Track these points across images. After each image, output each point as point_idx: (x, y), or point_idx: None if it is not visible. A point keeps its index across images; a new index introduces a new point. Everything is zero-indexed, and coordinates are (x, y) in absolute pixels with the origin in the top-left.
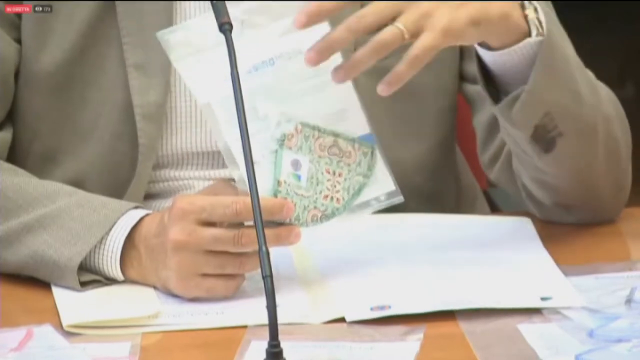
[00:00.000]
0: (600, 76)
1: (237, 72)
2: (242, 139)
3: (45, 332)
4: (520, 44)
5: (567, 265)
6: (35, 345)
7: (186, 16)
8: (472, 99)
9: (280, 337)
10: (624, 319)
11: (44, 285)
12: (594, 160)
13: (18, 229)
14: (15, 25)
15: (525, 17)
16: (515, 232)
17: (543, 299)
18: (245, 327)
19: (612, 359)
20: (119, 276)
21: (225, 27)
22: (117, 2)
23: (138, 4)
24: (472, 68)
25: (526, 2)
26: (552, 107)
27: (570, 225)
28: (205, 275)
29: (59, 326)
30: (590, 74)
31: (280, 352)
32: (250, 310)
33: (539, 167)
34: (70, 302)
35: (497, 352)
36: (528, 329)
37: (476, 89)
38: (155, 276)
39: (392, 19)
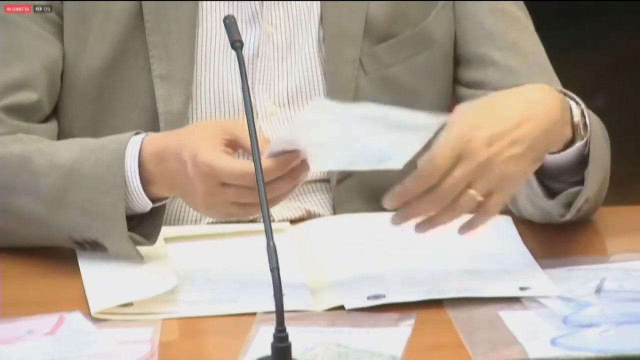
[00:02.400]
0: (575, 88)
1: (247, 86)
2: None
3: (75, 318)
4: (569, 150)
5: (544, 258)
6: (66, 330)
7: (209, 34)
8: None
9: (286, 323)
10: (595, 307)
11: (75, 275)
12: (595, 201)
13: (59, 188)
14: (61, 31)
15: (572, 122)
16: (497, 228)
17: (522, 288)
18: (254, 314)
19: (584, 343)
20: (145, 199)
21: (236, 44)
22: (145, 19)
23: (164, 21)
24: (467, 74)
25: (573, 105)
26: (592, 191)
27: (547, 223)
28: (227, 203)
29: (87, 313)
30: (599, 124)
31: (286, 337)
32: (259, 299)
33: (555, 216)
34: (98, 290)
35: (480, 336)
36: (508, 315)
37: (470, 93)
38: (178, 191)
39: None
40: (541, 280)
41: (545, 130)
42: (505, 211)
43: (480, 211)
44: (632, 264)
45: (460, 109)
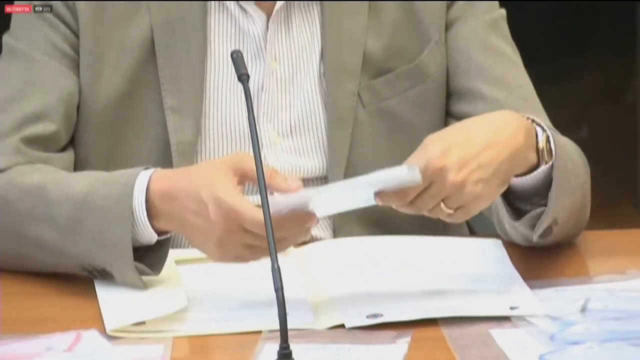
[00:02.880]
0: (561, 120)
1: (254, 117)
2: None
3: (91, 336)
4: (533, 174)
5: (532, 279)
6: (83, 347)
7: (217, 69)
8: None
9: (289, 340)
10: (580, 325)
11: (91, 295)
12: (571, 226)
13: (72, 218)
14: (77, 65)
15: (537, 148)
16: (488, 251)
17: (512, 308)
18: (260, 332)
19: (570, 359)
20: (151, 232)
21: (243, 77)
22: (157, 54)
23: (175, 56)
24: (458, 107)
25: (539, 131)
26: (559, 213)
27: (535, 246)
28: (240, 245)
29: (103, 331)
30: (572, 147)
31: (290, 354)
32: (264, 318)
33: (532, 240)
34: (113, 310)
35: (473, 353)
36: (499, 333)
37: None
38: (186, 229)
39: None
40: (529, 300)
41: (509, 156)
42: (496, 235)
43: (449, 219)
44: (615, 285)
45: (432, 135)
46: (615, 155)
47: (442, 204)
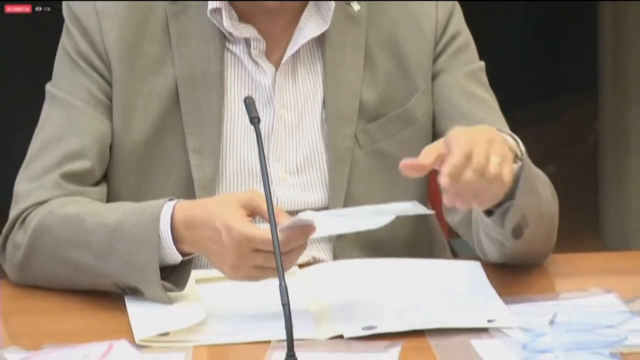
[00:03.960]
0: (532, 159)
1: (264, 155)
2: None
3: (122, 345)
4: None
5: (507, 296)
6: (115, 356)
7: (233, 115)
8: None
9: (295, 349)
10: (549, 336)
11: (121, 309)
12: (541, 236)
13: (105, 243)
14: (110, 111)
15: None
16: (468, 272)
17: (489, 320)
18: (269, 342)
19: None
20: (176, 254)
21: (254, 120)
22: (181, 103)
23: (197, 104)
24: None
25: (506, 134)
26: (526, 211)
27: (509, 267)
28: (252, 267)
29: (132, 341)
30: (542, 175)
31: None
32: (273, 330)
33: (506, 245)
34: (141, 322)
35: None
36: (478, 343)
37: None
38: (206, 252)
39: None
40: (504, 314)
41: (501, 141)
42: (475, 258)
43: (497, 178)
44: (580, 301)
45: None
46: (579, 190)
47: (493, 157)
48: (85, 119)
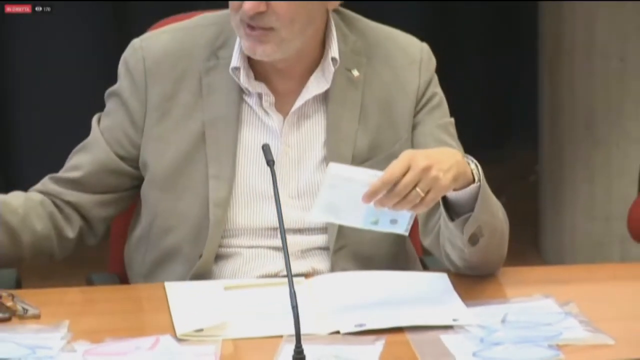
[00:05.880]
0: (491, 188)
1: (277, 191)
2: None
3: (166, 339)
4: (470, 187)
5: (468, 300)
6: (161, 347)
7: (245, 151)
8: None
9: (302, 342)
10: (501, 332)
11: (164, 309)
12: (494, 247)
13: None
14: (125, 150)
15: (471, 170)
16: (438, 281)
17: (454, 319)
18: (281, 336)
19: (493, 355)
20: None
21: (270, 163)
22: (207, 142)
23: (218, 141)
24: None
25: (469, 160)
26: (482, 222)
27: (470, 277)
28: None
29: (174, 335)
30: (498, 202)
31: (302, 351)
32: (284, 326)
33: (464, 250)
34: (181, 320)
35: (428, 351)
36: (446, 337)
37: None
38: None
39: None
40: (466, 314)
41: (457, 161)
42: (444, 270)
43: (420, 204)
44: (525, 305)
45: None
46: (524, 216)
47: (417, 188)
48: (98, 144)
